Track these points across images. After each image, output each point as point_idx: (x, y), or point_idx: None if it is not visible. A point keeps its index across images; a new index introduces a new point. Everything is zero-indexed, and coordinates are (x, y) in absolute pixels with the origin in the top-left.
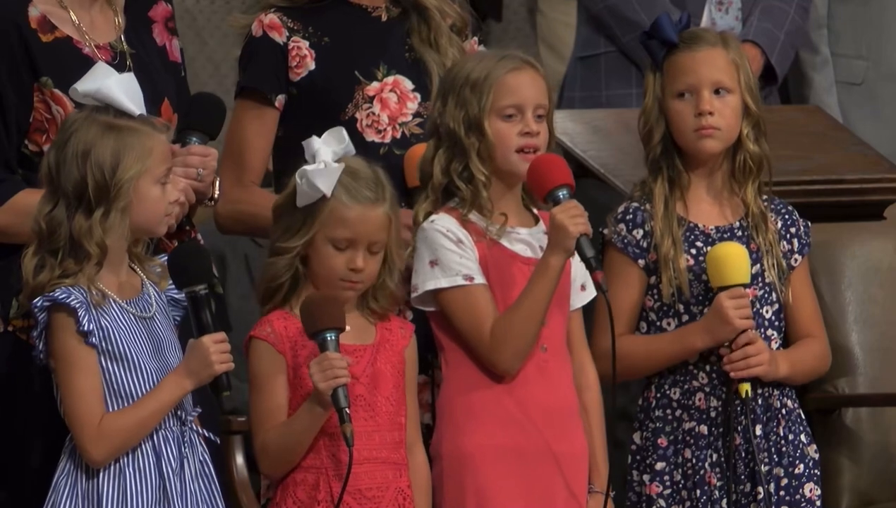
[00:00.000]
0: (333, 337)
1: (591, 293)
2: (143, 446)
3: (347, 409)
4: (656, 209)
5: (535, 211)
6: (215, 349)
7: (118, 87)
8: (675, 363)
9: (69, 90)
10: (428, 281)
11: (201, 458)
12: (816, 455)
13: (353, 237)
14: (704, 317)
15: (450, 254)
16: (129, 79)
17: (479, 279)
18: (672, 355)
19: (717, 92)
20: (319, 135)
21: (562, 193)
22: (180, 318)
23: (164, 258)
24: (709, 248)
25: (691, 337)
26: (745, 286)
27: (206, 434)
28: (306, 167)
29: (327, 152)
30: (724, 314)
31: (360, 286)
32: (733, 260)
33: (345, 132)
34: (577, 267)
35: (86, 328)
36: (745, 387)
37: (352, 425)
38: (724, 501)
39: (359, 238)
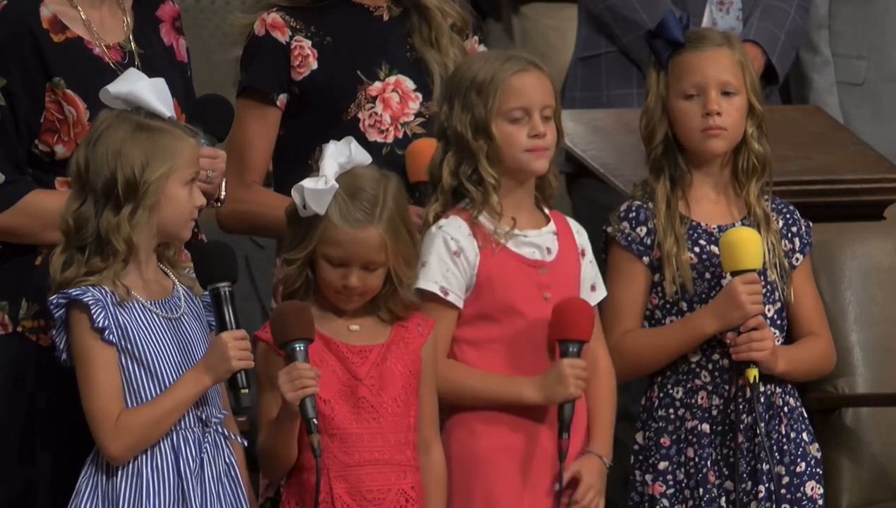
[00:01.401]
0: (302, 348)
1: (601, 293)
2: (163, 446)
3: (315, 420)
4: (658, 207)
5: (545, 210)
6: (234, 345)
7: (149, 90)
8: (684, 352)
9: (100, 92)
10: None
11: (227, 460)
12: (818, 454)
13: (345, 257)
14: (714, 301)
15: (440, 262)
16: (160, 83)
17: (454, 299)
18: (680, 343)
19: (724, 93)
20: (321, 136)
21: (572, 348)
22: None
23: None
24: (712, 247)
25: (699, 322)
26: (756, 271)
27: (234, 436)
28: (304, 183)
29: (332, 166)
30: (737, 299)
31: (358, 299)
32: (747, 244)
33: (356, 143)
34: (587, 267)
35: (100, 324)
36: (753, 373)
37: (319, 436)
38: (723, 499)
39: (350, 259)
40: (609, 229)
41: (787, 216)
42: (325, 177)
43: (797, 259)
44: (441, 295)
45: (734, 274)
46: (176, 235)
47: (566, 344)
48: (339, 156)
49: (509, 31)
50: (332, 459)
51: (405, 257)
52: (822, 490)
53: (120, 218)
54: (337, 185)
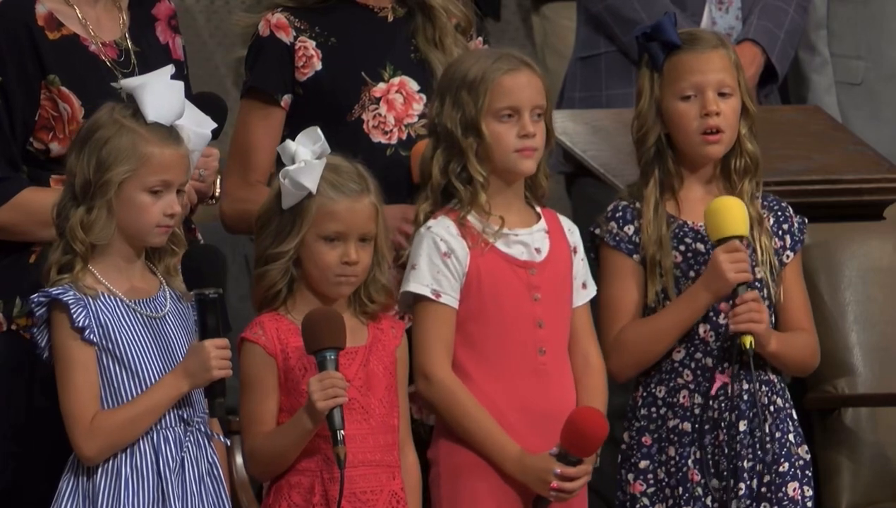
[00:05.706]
0: (333, 357)
1: (592, 291)
2: (142, 445)
3: (342, 431)
4: (646, 212)
5: (537, 208)
6: (216, 354)
7: (152, 89)
8: (685, 330)
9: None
10: (405, 282)
11: (210, 459)
12: (807, 457)
13: (343, 230)
14: (704, 274)
15: (430, 264)
16: (171, 86)
17: (448, 299)
18: (679, 322)
19: (720, 94)
20: (325, 137)
21: (571, 458)
22: None
23: None
24: (697, 244)
25: (694, 296)
26: (741, 238)
27: (217, 436)
28: (288, 167)
29: (306, 152)
30: (718, 268)
31: (354, 280)
32: (728, 211)
33: (319, 131)
34: (579, 265)
35: (80, 324)
36: (749, 339)
37: (345, 447)
38: (709, 498)
39: (349, 230)
40: (597, 231)
41: (779, 213)
42: (304, 160)
43: (788, 256)
44: (433, 297)
45: (719, 242)
46: (141, 240)
47: (566, 455)
48: (309, 143)
49: (530, 31)
50: (325, 461)
51: (388, 232)
52: (811, 493)
53: (77, 215)
54: (324, 160)
